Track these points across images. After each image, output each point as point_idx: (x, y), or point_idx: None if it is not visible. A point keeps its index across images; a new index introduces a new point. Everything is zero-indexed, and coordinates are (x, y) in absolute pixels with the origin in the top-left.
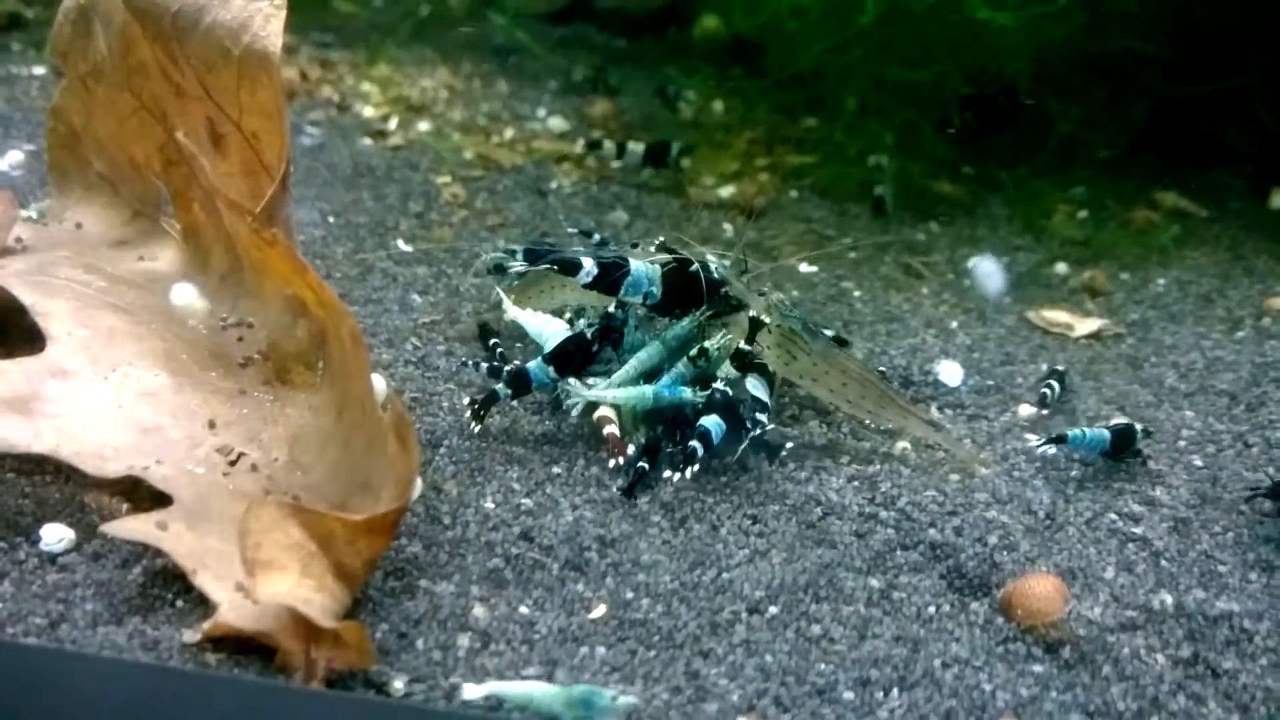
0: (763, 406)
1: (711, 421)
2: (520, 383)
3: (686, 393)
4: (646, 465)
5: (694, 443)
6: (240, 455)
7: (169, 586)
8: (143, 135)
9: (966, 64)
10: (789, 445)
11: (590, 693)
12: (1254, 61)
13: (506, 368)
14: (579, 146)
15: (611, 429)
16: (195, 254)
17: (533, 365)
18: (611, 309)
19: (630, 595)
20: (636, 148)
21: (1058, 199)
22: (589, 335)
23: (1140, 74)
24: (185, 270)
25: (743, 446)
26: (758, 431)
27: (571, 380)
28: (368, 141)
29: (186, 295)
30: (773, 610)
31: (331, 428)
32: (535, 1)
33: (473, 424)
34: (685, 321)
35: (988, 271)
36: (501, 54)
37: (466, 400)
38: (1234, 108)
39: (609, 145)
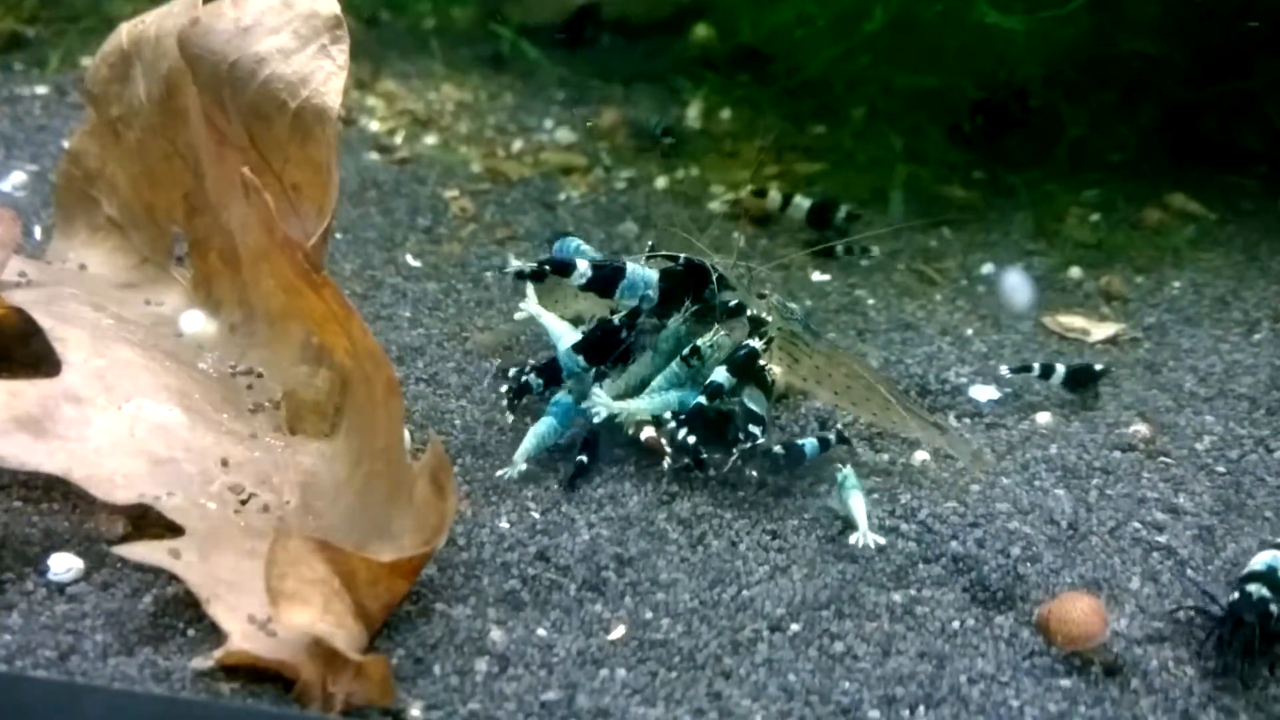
0: (757, 419)
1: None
2: (550, 372)
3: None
4: (586, 459)
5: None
6: (252, 495)
7: (180, 616)
8: (169, 182)
9: (976, 69)
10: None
11: None
12: (1264, 63)
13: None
14: (744, 192)
15: (649, 432)
16: (205, 303)
17: (561, 353)
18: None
19: (650, 615)
20: (803, 203)
21: (1069, 202)
22: (616, 322)
23: (1149, 77)
24: None
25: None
26: (749, 445)
27: (596, 392)
28: (374, 156)
29: (196, 322)
30: (795, 628)
31: (347, 477)
32: (541, 11)
33: (507, 414)
34: (670, 322)
35: (1014, 285)
36: (497, 63)
37: (504, 389)
38: (1244, 109)
39: (775, 195)
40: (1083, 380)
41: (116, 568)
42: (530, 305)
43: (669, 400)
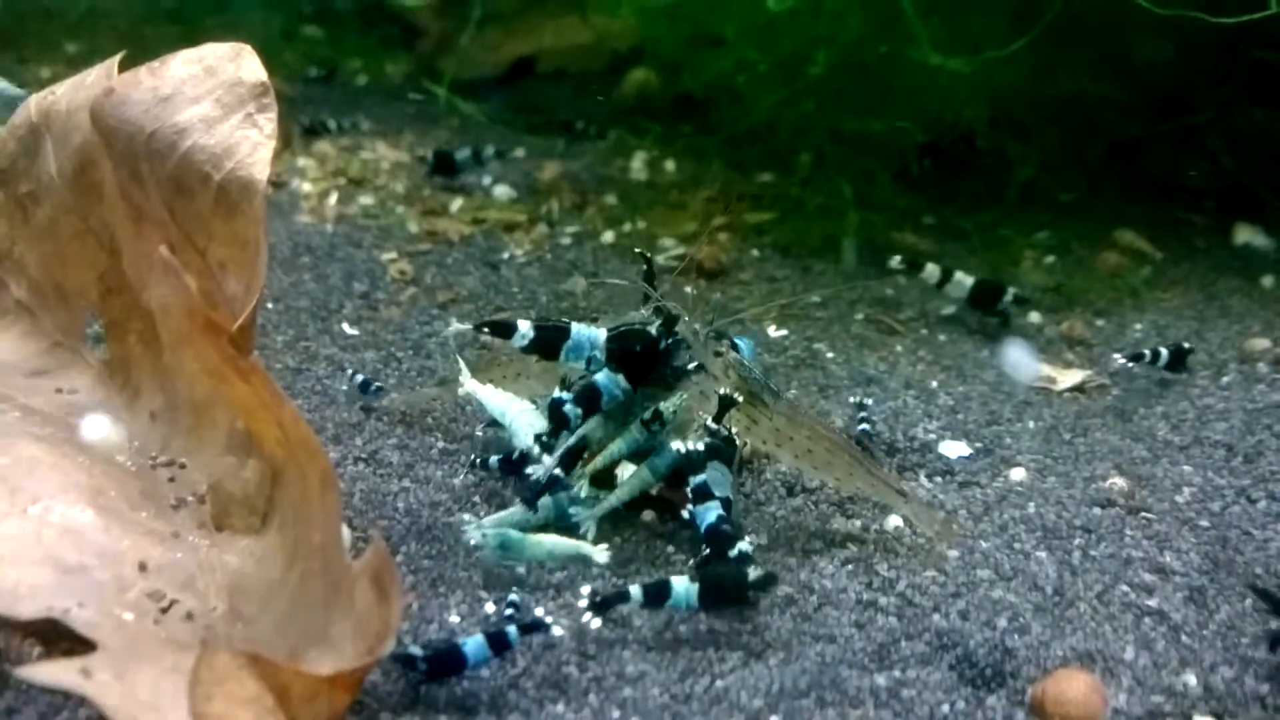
0: (723, 502)
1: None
2: (590, 398)
3: (674, 448)
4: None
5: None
6: (174, 602)
7: None
8: (81, 261)
9: (922, 112)
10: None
11: None
12: (1205, 99)
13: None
14: (896, 262)
15: (660, 489)
16: (123, 389)
17: (600, 377)
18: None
19: (617, 714)
20: (964, 280)
21: (1023, 245)
22: (654, 333)
23: (1094, 115)
24: (109, 405)
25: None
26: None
27: (577, 511)
28: (306, 219)
29: (100, 428)
30: None
31: (280, 578)
32: (478, 67)
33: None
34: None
35: (1015, 361)
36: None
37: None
38: (1190, 146)
39: (932, 269)
40: (1182, 358)
41: (23, 690)
42: (467, 382)
43: (645, 478)
